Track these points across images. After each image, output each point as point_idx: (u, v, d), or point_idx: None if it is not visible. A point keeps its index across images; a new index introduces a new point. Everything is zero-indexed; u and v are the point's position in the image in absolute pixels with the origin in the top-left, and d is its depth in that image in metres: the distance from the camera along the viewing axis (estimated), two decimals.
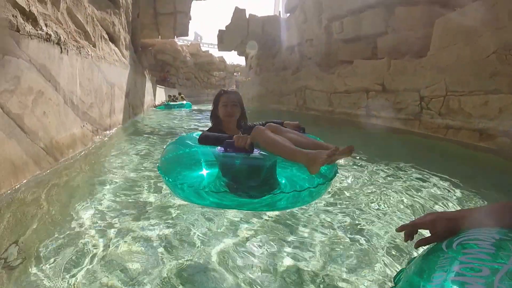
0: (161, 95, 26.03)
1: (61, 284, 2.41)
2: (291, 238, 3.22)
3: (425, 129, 9.28)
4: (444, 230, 1.28)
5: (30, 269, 2.54)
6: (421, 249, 1.34)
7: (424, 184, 4.97)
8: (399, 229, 1.41)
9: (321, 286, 2.47)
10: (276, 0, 42.82)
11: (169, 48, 40.95)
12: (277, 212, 3.64)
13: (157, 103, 23.19)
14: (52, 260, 2.71)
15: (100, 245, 3.01)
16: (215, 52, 49.86)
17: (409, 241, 1.39)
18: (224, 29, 28.14)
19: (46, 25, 5.08)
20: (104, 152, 6.92)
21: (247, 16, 26.89)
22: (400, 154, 6.66)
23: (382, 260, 2.75)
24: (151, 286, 2.46)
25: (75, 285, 2.40)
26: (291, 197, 2.62)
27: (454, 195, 4.48)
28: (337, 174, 3.05)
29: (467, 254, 1.07)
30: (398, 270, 1.39)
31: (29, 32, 4.47)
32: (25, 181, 4.15)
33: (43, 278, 2.47)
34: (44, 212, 3.70)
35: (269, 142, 2.76)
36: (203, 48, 54.50)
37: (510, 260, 0.98)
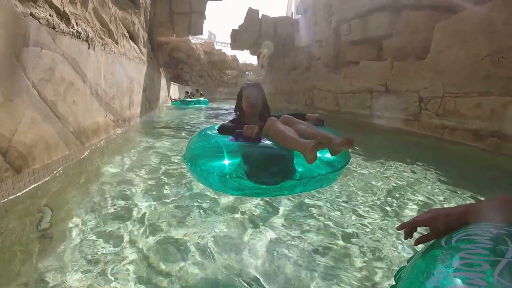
0: (175, 92, 26.45)
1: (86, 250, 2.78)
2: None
3: (424, 129, 9.70)
4: (443, 227, 1.33)
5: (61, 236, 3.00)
6: (420, 247, 1.42)
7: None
8: (399, 228, 1.47)
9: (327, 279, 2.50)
10: (289, 1, 42.83)
11: (183, 46, 41.27)
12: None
13: (172, 98, 23.60)
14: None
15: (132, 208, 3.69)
16: (228, 51, 50.05)
17: (408, 238, 1.43)
18: (238, 28, 28.64)
19: (76, 23, 5.71)
20: (124, 140, 7.58)
21: (260, 16, 27.37)
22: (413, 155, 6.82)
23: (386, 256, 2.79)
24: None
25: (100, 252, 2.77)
26: (304, 183, 2.86)
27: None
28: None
29: (466, 249, 1.12)
30: (398, 268, 1.43)
31: (63, 29, 5.08)
32: (55, 159, 4.77)
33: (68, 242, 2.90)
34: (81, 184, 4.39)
35: (276, 132, 2.95)
36: (217, 47, 54.60)
37: (508, 253, 1.03)
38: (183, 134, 8.98)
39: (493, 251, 1.06)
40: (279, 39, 25.34)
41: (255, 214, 3.64)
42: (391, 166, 5.95)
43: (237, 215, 3.59)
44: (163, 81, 20.06)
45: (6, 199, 3.57)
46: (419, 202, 4.17)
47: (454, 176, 5.37)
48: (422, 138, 9.36)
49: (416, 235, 1.43)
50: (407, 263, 1.39)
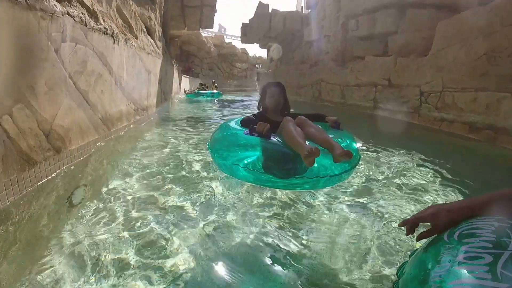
0: (186, 84, 26.90)
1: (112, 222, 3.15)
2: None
3: (423, 121, 10.17)
4: (445, 222, 1.35)
5: (89, 208, 3.45)
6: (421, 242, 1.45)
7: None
8: (400, 224, 1.50)
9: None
10: None
11: (194, 39, 41.52)
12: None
13: (186, 90, 24.07)
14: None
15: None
16: (238, 44, 50.03)
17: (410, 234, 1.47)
18: (248, 22, 29.00)
19: (103, 20, 6.29)
20: (143, 127, 8.25)
21: (270, 10, 27.73)
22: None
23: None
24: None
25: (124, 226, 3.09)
26: (313, 181, 3.13)
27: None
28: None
29: (469, 243, 1.14)
30: (401, 263, 1.48)
31: (93, 26, 5.66)
32: (87, 141, 5.36)
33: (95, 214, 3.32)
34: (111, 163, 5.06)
35: (287, 132, 3.17)
36: (227, 40, 54.77)
37: (511, 245, 1.06)
38: (196, 122, 9.72)
39: (496, 244, 1.09)
40: (288, 33, 25.72)
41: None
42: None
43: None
44: (175, 74, 20.56)
45: (49, 177, 4.16)
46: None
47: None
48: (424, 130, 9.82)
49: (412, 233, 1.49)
50: (409, 258, 1.43)
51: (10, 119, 3.36)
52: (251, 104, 20.44)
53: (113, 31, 6.68)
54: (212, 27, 29.23)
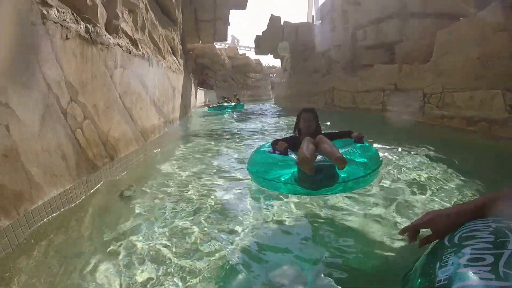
0: (201, 96, 27.44)
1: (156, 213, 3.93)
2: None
3: (427, 119, 11.04)
4: (444, 227, 1.37)
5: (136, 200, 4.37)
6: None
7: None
8: (401, 232, 1.51)
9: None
10: (309, 7, 43.69)
11: (208, 52, 42.36)
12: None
13: (211, 105, 24.37)
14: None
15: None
16: (252, 55, 50.66)
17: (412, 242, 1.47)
18: (261, 34, 29.82)
19: (141, 47, 7.30)
20: (171, 138, 9.31)
21: (282, 23, 28.52)
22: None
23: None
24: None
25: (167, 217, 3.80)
26: (342, 187, 3.63)
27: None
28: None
29: (469, 245, 1.18)
30: (405, 272, 1.49)
31: (135, 53, 6.67)
32: (131, 151, 6.29)
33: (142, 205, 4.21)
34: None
35: (300, 148, 3.71)
36: (240, 51, 55.20)
37: (510, 244, 1.10)
38: (216, 133, 10.69)
39: (495, 244, 1.11)
40: (300, 44, 26.40)
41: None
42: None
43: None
44: (193, 87, 21.32)
45: (107, 179, 5.11)
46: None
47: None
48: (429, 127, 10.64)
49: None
50: (413, 265, 1.45)
51: (81, 132, 4.31)
52: (267, 113, 21.08)
53: (148, 55, 7.69)
54: (226, 39, 29.88)
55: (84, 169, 4.35)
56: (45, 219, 3.35)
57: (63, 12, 3.88)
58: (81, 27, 4.30)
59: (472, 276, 1.03)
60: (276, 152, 4.17)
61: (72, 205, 3.90)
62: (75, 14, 4.21)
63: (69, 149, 3.97)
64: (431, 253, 1.34)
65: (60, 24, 3.75)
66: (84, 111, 4.41)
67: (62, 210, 3.67)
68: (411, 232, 1.48)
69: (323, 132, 4.77)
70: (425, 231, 1.48)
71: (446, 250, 1.24)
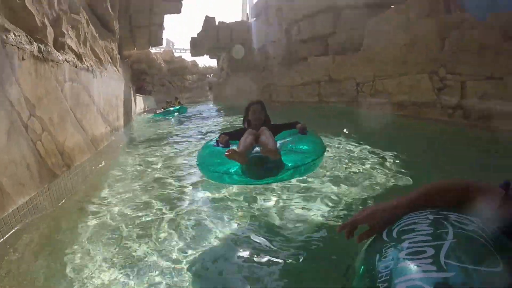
0: (140, 103, 27.08)
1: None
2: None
3: (361, 107, 11.78)
4: (381, 222, 1.37)
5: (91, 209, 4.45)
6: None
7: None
8: (339, 230, 1.46)
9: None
10: (243, 5, 44.01)
11: (144, 57, 41.56)
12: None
13: (140, 110, 24.14)
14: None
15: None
16: (188, 57, 50.00)
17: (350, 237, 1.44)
18: (196, 36, 29.88)
19: (85, 60, 7.52)
20: (119, 144, 9.57)
21: (217, 23, 28.74)
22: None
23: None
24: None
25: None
26: (287, 175, 3.77)
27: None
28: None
29: (409, 239, 1.16)
30: (346, 266, 1.51)
31: (80, 66, 6.90)
32: (84, 159, 6.47)
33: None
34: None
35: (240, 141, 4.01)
36: (176, 54, 54.29)
37: (449, 236, 1.11)
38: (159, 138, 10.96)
39: (435, 236, 1.12)
40: (236, 42, 26.69)
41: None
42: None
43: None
44: (132, 94, 21.14)
45: (64, 187, 5.36)
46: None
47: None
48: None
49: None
50: (353, 261, 1.41)
51: (41, 143, 4.57)
52: (207, 114, 21.20)
53: (92, 67, 7.89)
54: (161, 44, 29.53)
55: (46, 177, 4.57)
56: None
57: (19, 35, 4.14)
58: (34, 48, 4.56)
59: (413, 269, 1.04)
60: (220, 145, 4.36)
61: (38, 215, 4.11)
62: (28, 36, 4.48)
63: (31, 160, 4.21)
64: (371, 249, 1.32)
65: (17, 47, 4.02)
66: (42, 124, 4.65)
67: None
68: (349, 228, 1.43)
69: (272, 123, 4.96)
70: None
71: (386, 245, 1.22)
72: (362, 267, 1.26)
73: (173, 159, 7.32)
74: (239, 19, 36.26)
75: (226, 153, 3.60)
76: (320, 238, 3.18)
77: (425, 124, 8.83)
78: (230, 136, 4.55)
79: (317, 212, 3.82)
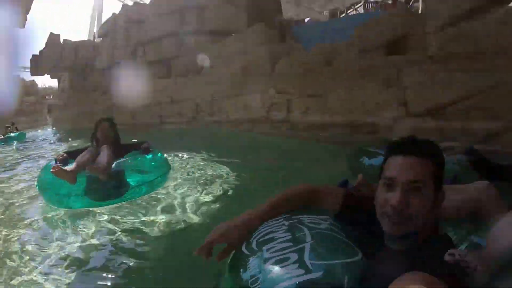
0: None
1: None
2: None
3: (200, 125, 12.24)
4: (236, 238, 1.37)
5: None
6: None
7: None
8: (196, 253, 1.41)
9: None
10: (91, 25, 42.95)
11: None
12: None
13: None
14: None
15: None
16: (27, 76, 46.35)
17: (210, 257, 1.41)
18: (38, 54, 28.15)
19: None
20: None
21: (62, 41, 27.45)
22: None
23: None
24: None
25: None
26: (131, 194, 3.90)
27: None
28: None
29: (269, 248, 1.18)
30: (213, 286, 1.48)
31: None
32: None
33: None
34: None
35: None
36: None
37: (307, 238, 1.15)
38: None
39: (294, 240, 1.15)
40: (81, 62, 25.76)
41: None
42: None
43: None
44: None
45: None
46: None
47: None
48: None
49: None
50: (219, 279, 1.43)
51: None
52: (46, 139, 19.76)
53: None
54: None
55: None
56: None
57: None
58: None
59: (282, 277, 1.04)
60: (58, 164, 3.99)
61: None
62: None
63: None
64: (233, 265, 1.31)
65: None
66: None
67: None
68: (207, 250, 1.39)
69: (122, 143, 4.84)
70: None
71: (248, 258, 1.21)
72: (230, 283, 1.27)
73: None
74: (86, 38, 34.95)
75: (52, 170, 3.44)
76: (178, 263, 2.93)
77: (260, 137, 9.67)
78: (69, 154, 4.32)
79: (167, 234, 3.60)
